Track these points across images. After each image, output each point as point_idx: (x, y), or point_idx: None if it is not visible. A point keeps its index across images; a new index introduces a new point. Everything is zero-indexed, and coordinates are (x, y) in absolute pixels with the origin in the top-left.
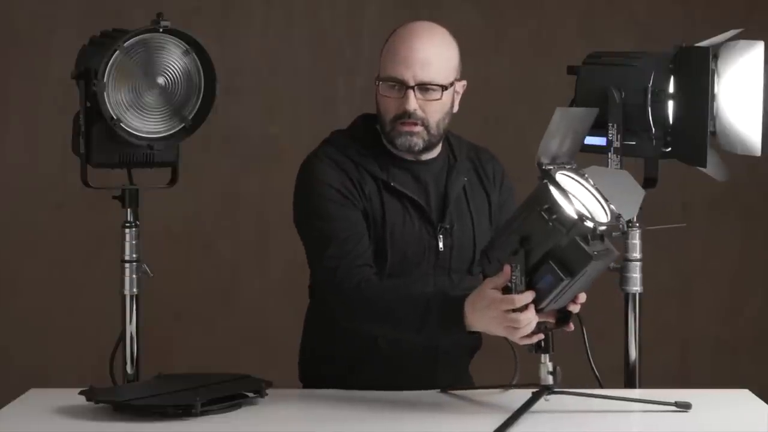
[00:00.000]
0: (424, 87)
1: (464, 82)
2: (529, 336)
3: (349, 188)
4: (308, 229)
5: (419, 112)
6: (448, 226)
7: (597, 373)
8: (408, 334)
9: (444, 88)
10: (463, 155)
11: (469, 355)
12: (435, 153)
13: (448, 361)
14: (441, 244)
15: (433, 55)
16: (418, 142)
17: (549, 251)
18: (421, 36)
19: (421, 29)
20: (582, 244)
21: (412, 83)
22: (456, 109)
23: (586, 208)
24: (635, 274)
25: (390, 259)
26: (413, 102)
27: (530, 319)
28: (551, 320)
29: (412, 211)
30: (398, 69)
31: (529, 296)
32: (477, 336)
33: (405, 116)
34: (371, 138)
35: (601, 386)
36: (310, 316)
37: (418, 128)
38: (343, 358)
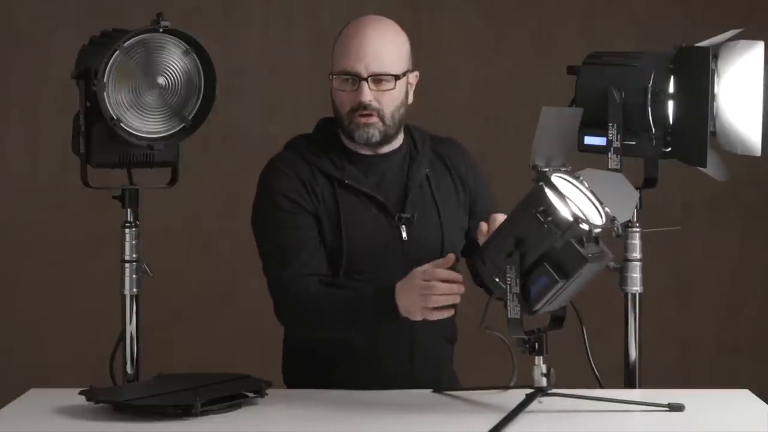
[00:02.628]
0: (377, 78)
1: (417, 73)
2: (439, 310)
3: (299, 192)
4: (259, 238)
5: (374, 104)
6: (408, 216)
7: (597, 373)
8: (345, 329)
9: (396, 77)
10: (426, 146)
11: (449, 347)
12: (395, 145)
13: (424, 356)
14: (404, 234)
15: (384, 46)
16: (375, 133)
17: (544, 253)
18: (371, 28)
19: (371, 22)
20: (577, 246)
21: (365, 75)
22: (411, 100)
23: (581, 211)
24: (635, 274)
25: (347, 256)
26: (368, 93)
27: (444, 288)
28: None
29: (371, 206)
30: (350, 62)
31: (449, 259)
32: (452, 326)
33: (360, 108)
34: (328, 138)
35: (601, 386)
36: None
37: (374, 119)
38: (321, 359)
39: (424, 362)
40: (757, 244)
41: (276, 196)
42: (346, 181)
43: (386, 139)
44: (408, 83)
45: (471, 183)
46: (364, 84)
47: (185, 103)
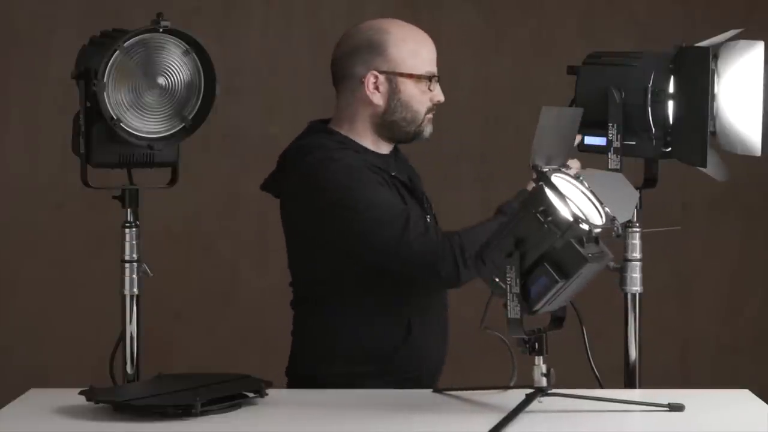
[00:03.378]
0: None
1: None
2: None
3: (377, 178)
4: (362, 217)
5: None
6: (428, 206)
7: (597, 373)
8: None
9: None
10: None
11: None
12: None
13: (449, 334)
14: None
15: None
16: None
17: (544, 253)
18: (424, 32)
19: (416, 27)
20: (577, 246)
21: (437, 75)
22: None
23: (581, 211)
24: (635, 274)
25: None
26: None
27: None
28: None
29: (410, 197)
30: (433, 65)
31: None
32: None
33: (435, 107)
34: (348, 139)
35: (601, 386)
36: (326, 319)
37: None
38: (379, 351)
39: (446, 344)
40: (757, 244)
41: (366, 174)
42: (393, 173)
43: None
44: None
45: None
46: (438, 84)
47: (185, 103)
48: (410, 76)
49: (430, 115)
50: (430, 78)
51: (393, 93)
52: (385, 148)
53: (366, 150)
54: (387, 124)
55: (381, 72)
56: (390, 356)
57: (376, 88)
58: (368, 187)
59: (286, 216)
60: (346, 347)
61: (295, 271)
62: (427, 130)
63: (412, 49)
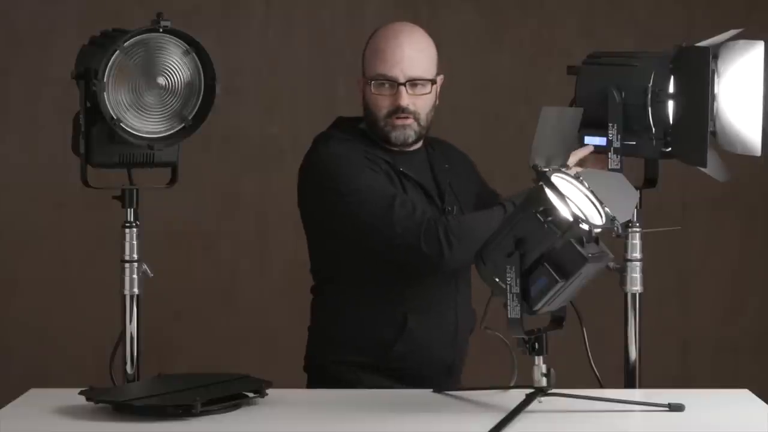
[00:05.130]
0: (414, 82)
1: (442, 76)
2: None
3: (370, 166)
4: (347, 200)
5: (411, 107)
6: (449, 208)
7: (597, 373)
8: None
9: (432, 82)
10: (435, 145)
11: (469, 336)
12: (419, 145)
13: (462, 339)
14: None
15: (419, 52)
16: (411, 134)
17: (544, 253)
18: (405, 35)
19: (403, 29)
20: (577, 246)
21: (402, 80)
22: (437, 102)
23: (581, 211)
24: (635, 274)
25: None
26: (405, 97)
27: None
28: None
29: (421, 194)
30: (388, 67)
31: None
32: (474, 316)
33: (398, 111)
34: (361, 135)
35: (601, 386)
36: (329, 307)
37: (410, 121)
38: (374, 342)
39: (461, 347)
40: (757, 244)
41: (349, 159)
42: (400, 168)
43: (419, 139)
44: (437, 86)
45: (475, 179)
46: (402, 88)
47: (185, 103)
48: (366, 78)
49: (397, 121)
50: (382, 80)
51: (363, 96)
52: (401, 147)
53: (375, 144)
54: (367, 126)
55: (363, 76)
56: (385, 349)
57: (361, 91)
58: (354, 172)
59: (299, 204)
60: (345, 336)
61: (310, 259)
62: (395, 134)
63: (376, 52)
